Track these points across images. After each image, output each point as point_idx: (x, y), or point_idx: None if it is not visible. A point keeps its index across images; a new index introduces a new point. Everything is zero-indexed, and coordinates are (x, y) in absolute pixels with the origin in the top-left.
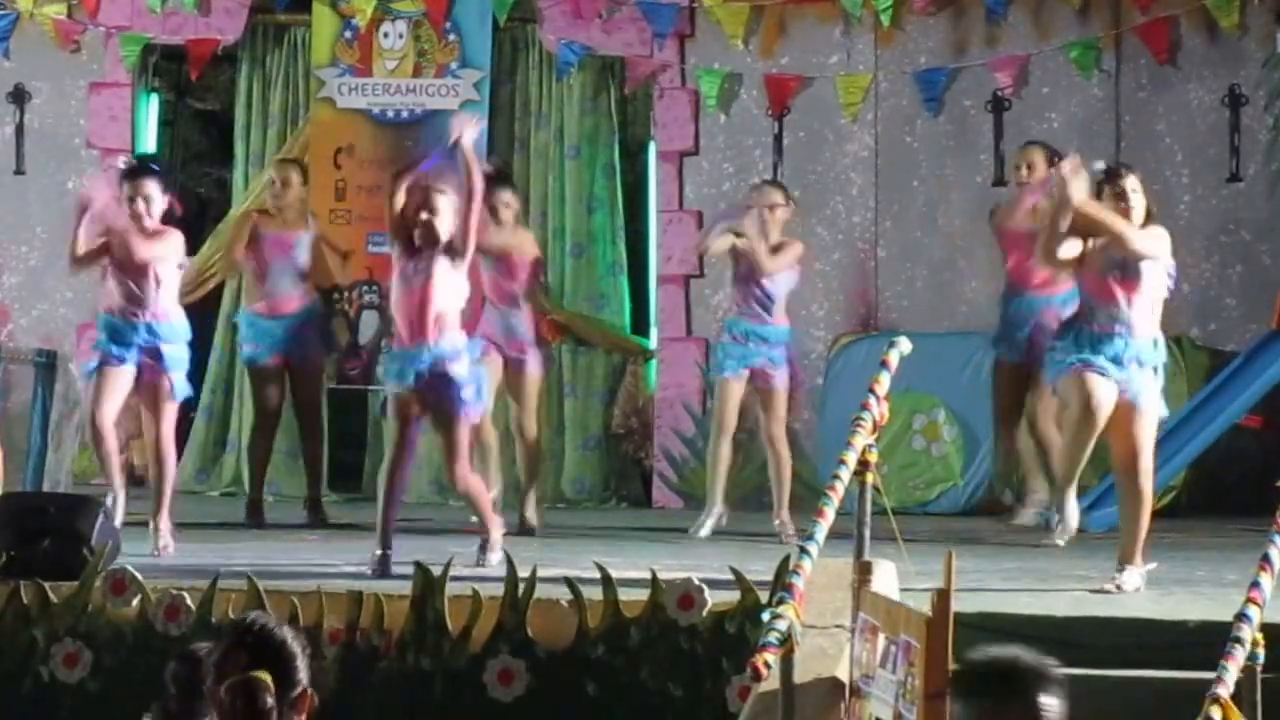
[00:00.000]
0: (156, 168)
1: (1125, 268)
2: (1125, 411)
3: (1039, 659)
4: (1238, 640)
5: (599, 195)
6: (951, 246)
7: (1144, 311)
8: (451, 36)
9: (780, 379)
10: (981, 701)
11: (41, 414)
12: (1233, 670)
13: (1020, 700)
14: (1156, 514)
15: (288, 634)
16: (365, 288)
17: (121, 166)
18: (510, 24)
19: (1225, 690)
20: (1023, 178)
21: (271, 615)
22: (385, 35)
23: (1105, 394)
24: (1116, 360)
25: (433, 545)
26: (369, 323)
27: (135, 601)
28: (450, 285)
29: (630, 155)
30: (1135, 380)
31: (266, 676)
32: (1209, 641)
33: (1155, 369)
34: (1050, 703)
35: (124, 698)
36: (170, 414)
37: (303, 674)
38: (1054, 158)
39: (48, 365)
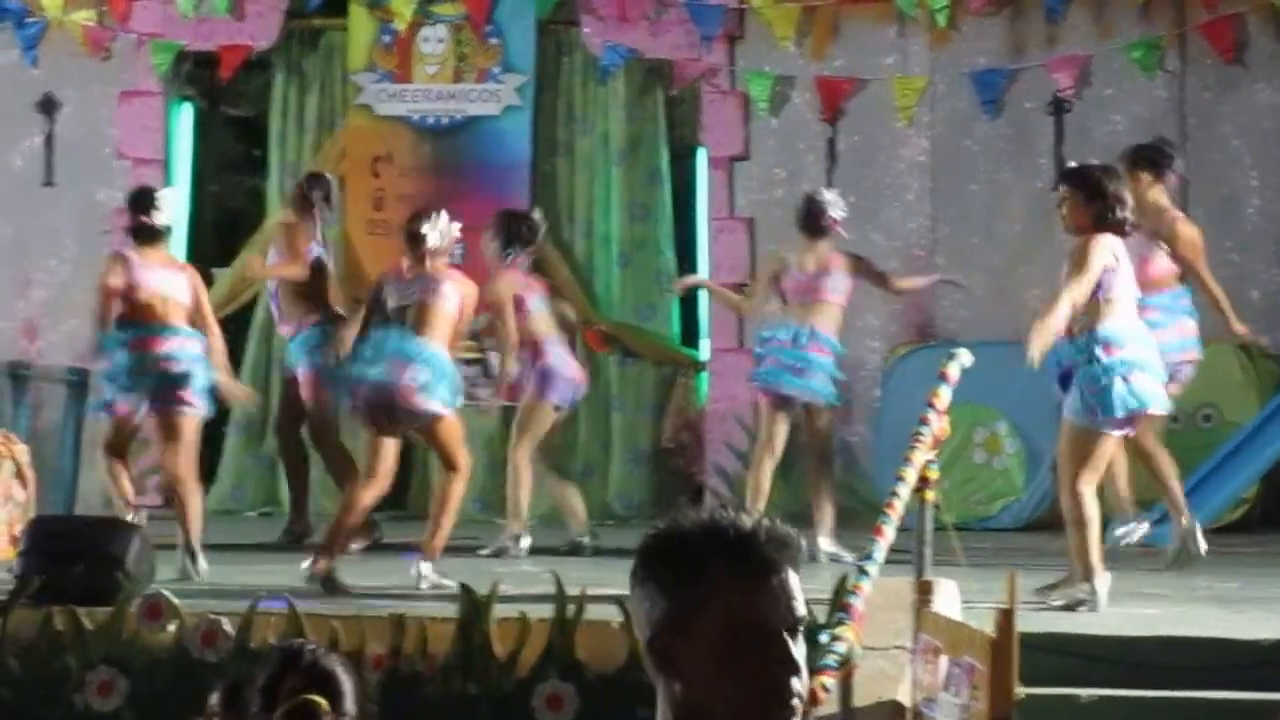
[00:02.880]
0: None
1: None
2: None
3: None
4: None
5: (646, 202)
6: (1011, 253)
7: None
8: (493, 40)
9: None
10: (718, 578)
11: (73, 434)
12: None
13: (774, 577)
14: (1228, 528)
15: (337, 663)
16: None
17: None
18: (554, 26)
19: None
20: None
21: (318, 643)
22: (425, 40)
23: None
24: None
25: (478, 566)
26: None
27: (171, 627)
28: None
29: (678, 160)
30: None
31: (324, 701)
32: None
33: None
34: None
35: None
36: (179, 446)
37: (351, 705)
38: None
39: (79, 384)
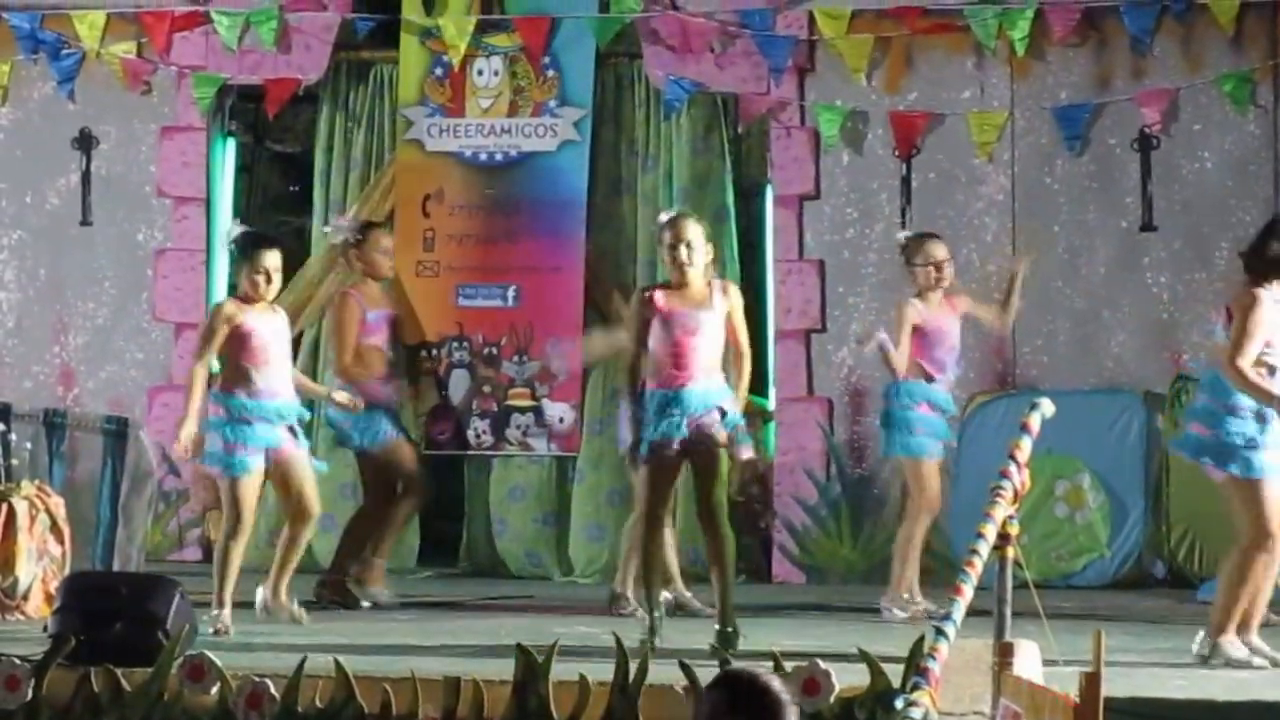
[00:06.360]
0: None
1: None
2: None
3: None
4: None
5: (711, 242)
6: (1095, 297)
7: None
8: (550, 72)
9: None
10: None
11: (111, 485)
12: None
13: None
14: None
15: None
16: (455, 344)
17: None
18: (614, 59)
19: None
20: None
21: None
22: (479, 73)
23: None
24: None
25: (535, 625)
26: (459, 382)
27: (215, 689)
28: None
29: (745, 199)
30: None
31: None
32: None
33: None
34: None
35: None
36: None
37: None
38: None
39: (117, 433)
